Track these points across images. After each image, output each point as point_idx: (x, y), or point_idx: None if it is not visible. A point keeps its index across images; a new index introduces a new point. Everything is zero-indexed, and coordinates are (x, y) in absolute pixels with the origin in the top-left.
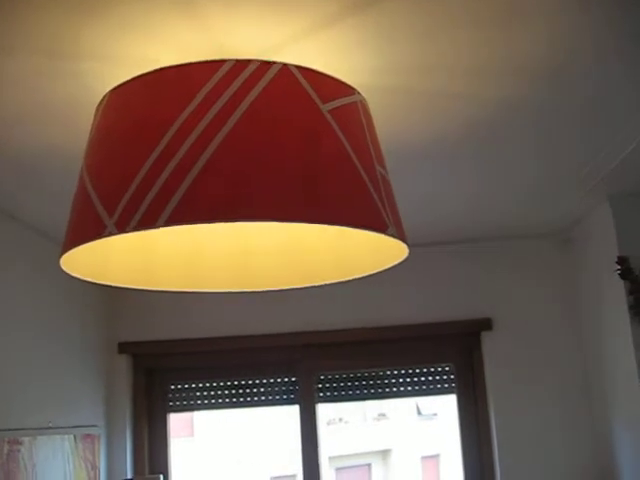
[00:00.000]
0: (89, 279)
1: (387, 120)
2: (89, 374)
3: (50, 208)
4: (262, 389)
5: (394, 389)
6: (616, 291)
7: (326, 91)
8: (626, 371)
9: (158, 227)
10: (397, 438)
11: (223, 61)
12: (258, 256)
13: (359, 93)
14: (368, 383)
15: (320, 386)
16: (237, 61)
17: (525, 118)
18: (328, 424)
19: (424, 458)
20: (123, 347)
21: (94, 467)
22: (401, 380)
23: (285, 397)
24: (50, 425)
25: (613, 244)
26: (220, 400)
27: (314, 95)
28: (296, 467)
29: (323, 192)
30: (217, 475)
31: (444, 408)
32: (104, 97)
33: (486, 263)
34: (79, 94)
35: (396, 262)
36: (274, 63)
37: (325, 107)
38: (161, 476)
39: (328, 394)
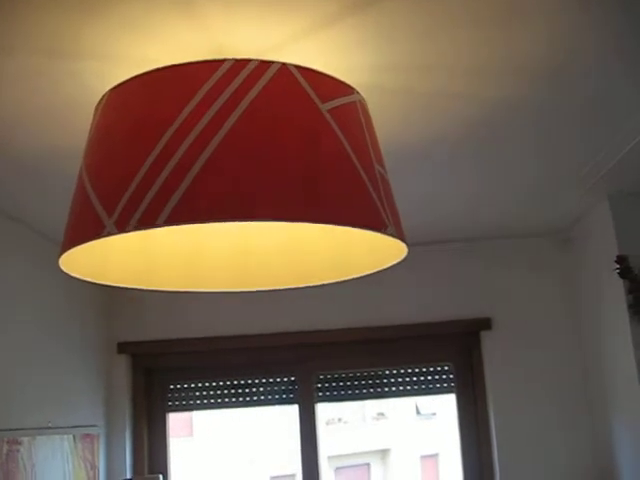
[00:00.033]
0: (88, 279)
1: (387, 120)
2: (88, 374)
3: (50, 208)
4: (261, 389)
5: (393, 389)
6: (615, 290)
7: (325, 91)
8: (626, 370)
9: (158, 227)
10: (396, 438)
11: (222, 60)
12: (257, 256)
13: (358, 93)
14: (367, 383)
15: (319, 386)
16: (236, 60)
17: (525, 118)
18: (327, 424)
19: (423, 457)
20: (122, 347)
21: (93, 467)
22: (400, 380)
23: (284, 397)
24: (49, 425)
25: (612, 243)
26: (219, 400)
27: (313, 94)
28: (295, 467)
29: (322, 192)
30: (216, 475)
31: (443, 408)
32: (103, 96)
33: (485, 262)
34: (79, 94)
35: (395, 261)
36: (273, 62)
37: (324, 107)
38: (160, 476)
39: (327, 394)
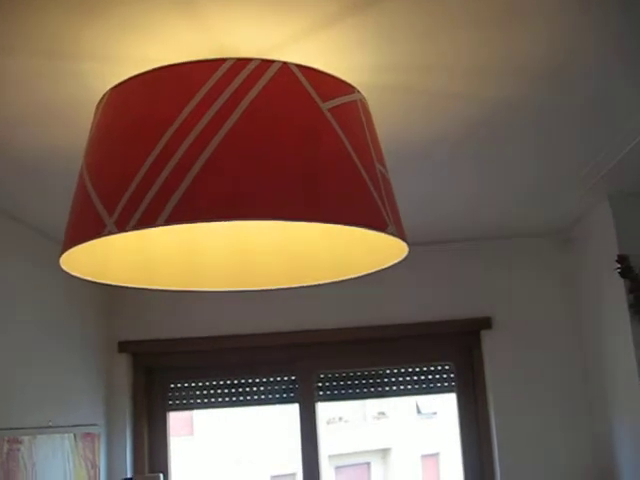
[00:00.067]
0: (89, 278)
1: (387, 119)
2: (89, 373)
3: (50, 208)
4: (262, 388)
5: (394, 388)
6: (616, 290)
7: (326, 89)
8: (626, 370)
9: (158, 226)
10: (397, 437)
11: (223, 60)
12: (258, 255)
13: (359, 92)
14: (368, 382)
15: (320, 385)
16: (237, 60)
17: (525, 118)
18: (328, 423)
19: (424, 457)
20: (123, 346)
21: (94, 466)
22: (401, 379)
23: (285, 396)
24: (50, 424)
25: (613, 243)
26: (220, 399)
27: (314, 93)
28: (296, 466)
29: (323, 191)
30: (217, 474)
31: (444, 407)
32: (104, 96)
33: (486, 262)
34: (80, 94)
35: (396, 261)
36: (274, 62)
37: (325, 105)
38: (161, 475)
39: (328, 393)
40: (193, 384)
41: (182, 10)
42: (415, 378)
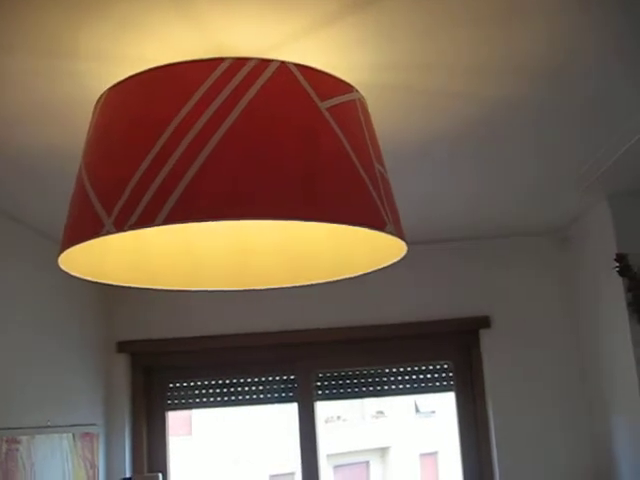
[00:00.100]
0: (87, 278)
1: (387, 118)
2: (88, 373)
3: (49, 207)
4: (260, 387)
5: (392, 387)
6: (614, 288)
7: (324, 89)
8: (625, 368)
9: (156, 226)
10: (395, 436)
11: (221, 59)
12: (256, 254)
13: (357, 91)
14: (366, 381)
15: (318, 384)
16: (235, 59)
17: (525, 117)
18: (326, 422)
19: (422, 455)
20: (122, 346)
21: (93, 466)
22: (399, 378)
23: (283, 395)
24: (49, 424)
25: (611, 242)
26: (219, 398)
27: (312, 93)
28: (294, 465)
29: (321, 190)
30: (216, 473)
31: (442, 406)
32: (102, 95)
33: (484, 261)
34: (78, 94)
35: (394, 260)
36: (272, 61)
37: (323, 105)
38: (160, 474)
39: (326, 392)
40: (192, 384)
41: (180, 9)
42: (414, 377)
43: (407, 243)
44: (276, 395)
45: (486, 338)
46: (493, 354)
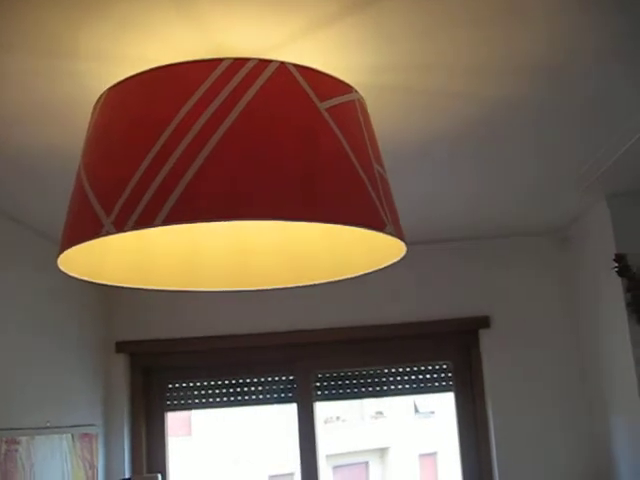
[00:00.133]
0: (86, 278)
1: (386, 119)
2: (87, 373)
3: (48, 207)
4: (260, 388)
5: (392, 387)
6: (614, 288)
7: (324, 89)
8: (624, 369)
9: (156, 226)
10: (395, 436)
11: (220, 59)
12: (255, 255)
13: (357, 91)
14: (366, 381)
15: (318, 384)
16: (234, 59)
17: (525, 117)
18: (326, 422)
19: (422, 456)
20: (121, 346)
21: (92, 466)
22: (399, 378)
23: (283, 396)
24: (48, 424)
25: (611, 242)
26: (218, 399)
27: (312, 93)
28: (294, 465)
29: (321, 190)
30: (215, 474)
31: (442, 406)
32: (101, 95)
33: (484, 261)
34: (77, 94)
35: (394, 260)
36: (272, 61)
37: (323, 105)
38: (159, 475)
39: (326, 392)
40: (191, 384)
41: (180, 10)
42: (413, 377)
43: (407, 243)
44: (275, 395)
45: (486, 338)
46: (493, 354)
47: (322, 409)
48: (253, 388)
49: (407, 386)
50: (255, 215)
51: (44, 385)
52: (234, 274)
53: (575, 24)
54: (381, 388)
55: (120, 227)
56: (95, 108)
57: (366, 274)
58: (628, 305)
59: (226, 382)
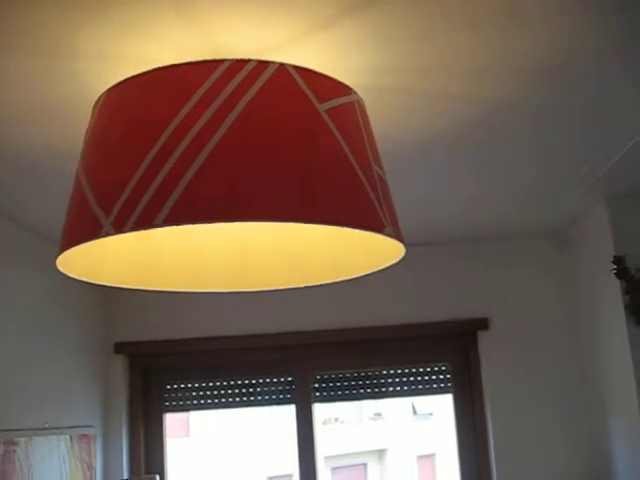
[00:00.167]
0: (85, 279)
1: (385, 121)
2: (85, 374)
3: (48, 208)
4: (258, 389)
5: (390, 389)
6: (612, 291)
7: (323, 91)
8: (622, 371)
9: (155, 227)
10: (393, 438)
11: (220, 61)
12: (255, 256)
13: (356, 93)
14: (364, 383)
15: (316, 386)
16: (234, 61)
17: (524, 119)
18: (324, 424)
19: (420, 457)
20: (119, 347)
21: (90, 467)
22: (397, 380)
23: (281, 397)
24: (46, 426)
25: (609, 244)
26: (216, 400)
27: (311, 95)
28: (292, 467)
29: (320, 192)
30: (213, 475)
31: (440, 408)
32: (100, 96)
33: (483, 263)
34: (77, 94)
35: (393, 262)
36: (271, 63)
37: (322, 107)
38: (157, 476)
39: (324, 394)
40: (189, 385)
41: (180, 11)
42: (412, 379)
43: (405, 245)
44: (274, 397)
45: (484, 340)
46: (491, 356)
47: (320, 410)
48: (251, 389)
49: (405, 387)
50: (254, 216)
51: (42, 386)
52: (234, 275)
53: (575, 24)
54: (379, 389)
55: (119, 228)
56: (94, 109)
57: (365, 275)
58: (627, 307)
59: (225, 383)
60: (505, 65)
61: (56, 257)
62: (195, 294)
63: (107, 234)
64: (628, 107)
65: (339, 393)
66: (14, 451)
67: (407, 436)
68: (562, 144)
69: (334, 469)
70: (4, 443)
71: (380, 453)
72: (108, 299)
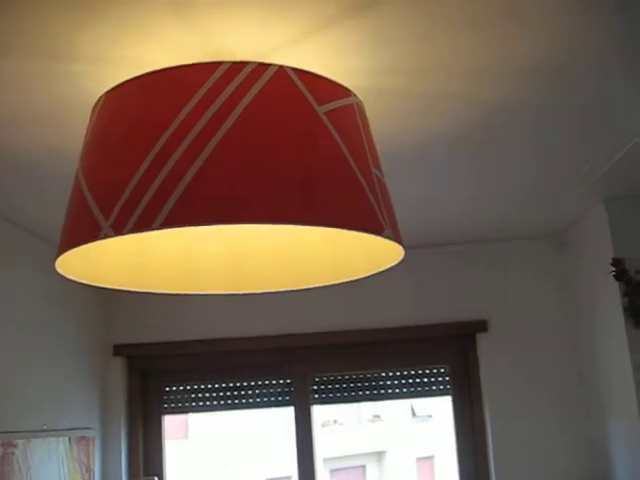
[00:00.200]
0: (84, 281)
1: (385, 122)
2: (84, 376)
3: (46, 210)
4: (257, 391)
5: (389, 391)
6: (611, 293)
7: (322, 93)
8: (621, 373)
9: (154, 229)
10: (392, 440)
11: (219, 63)
12: (253, 258)
13: (355, 95)
14: (363, 385)
15: (315, 388)
16: (233, 63)
17: (523, 120)
18: (323, 426)
19: (419, 459)
20: (118, 349)
21: (89, 469)
22: (396, 382)
23: (280, 399)
24: (45, 428)
25: (608, 246)
26: (215, 402)
27: (310, 97)
28: (291, 469)
29: (319, 194)
30: (212, 477)
31: (439, 410)
32: (100, 98)
33: (481, 264)
34: (75, 96)
35: (392, 264)
36: (270, 65)
37: (321, 109)
38: (156, 478)
39: (323, 396)
40: (188, 387)
41: (179, 13)
42: (410, 381)
43: (405, 247)
44: (272, 399)
45: (483, 342)
46: (490, 358)
47: (319, 412)
48: (250, 391)
49: (404, 390)
50: (254, 218)
51: (41, 388)
52: (232, 277)
53: (575, 24)
54: (378, 391)
55: (118, 230)
56: (94, 111)
57: (364, 278)
58: (625, 309)
59: (223, 385)
60: (505, 65)
61: (55, 259)
62: (194, 296)
63: (106, 236)
64: (628, 107)
65: (338, 395)
66: (12, 453)
67: (406, 438)
68: (562, 144)
69: (333, 471)
70: (2, 445)
71: (379, 455)
72: (107, 301)
